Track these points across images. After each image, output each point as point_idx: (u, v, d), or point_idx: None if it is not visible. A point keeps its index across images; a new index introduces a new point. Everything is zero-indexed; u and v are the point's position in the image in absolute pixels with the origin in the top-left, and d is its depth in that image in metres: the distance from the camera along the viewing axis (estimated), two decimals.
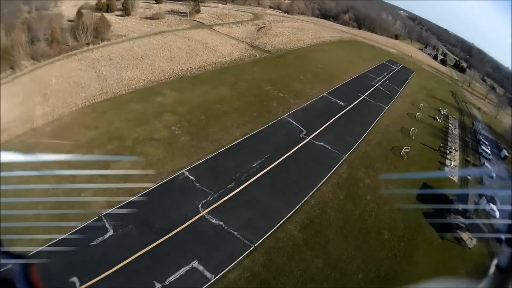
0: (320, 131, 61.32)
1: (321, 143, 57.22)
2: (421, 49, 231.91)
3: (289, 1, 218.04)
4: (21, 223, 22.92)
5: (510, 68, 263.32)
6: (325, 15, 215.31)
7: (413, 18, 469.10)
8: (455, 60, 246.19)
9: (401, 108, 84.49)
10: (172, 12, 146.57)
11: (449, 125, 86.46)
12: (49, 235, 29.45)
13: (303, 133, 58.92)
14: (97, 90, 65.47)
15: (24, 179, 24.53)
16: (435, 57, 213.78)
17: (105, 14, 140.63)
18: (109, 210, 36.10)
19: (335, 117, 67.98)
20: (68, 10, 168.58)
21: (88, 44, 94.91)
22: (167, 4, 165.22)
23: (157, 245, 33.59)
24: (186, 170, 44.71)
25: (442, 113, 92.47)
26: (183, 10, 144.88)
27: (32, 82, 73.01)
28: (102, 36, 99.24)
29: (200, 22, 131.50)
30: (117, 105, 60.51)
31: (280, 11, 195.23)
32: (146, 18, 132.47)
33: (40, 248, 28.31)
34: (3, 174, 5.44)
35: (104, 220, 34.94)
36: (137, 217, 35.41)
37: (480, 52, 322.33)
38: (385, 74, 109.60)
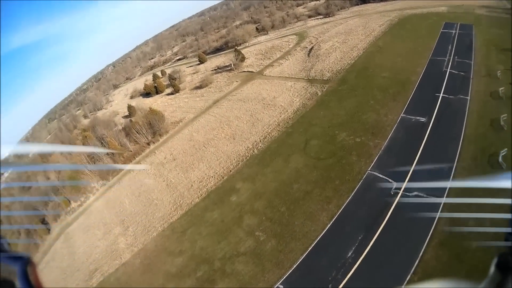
0: (410, 174, 50.05)
1: (415, 193, 46.41)
2: None
3: (323, 2, 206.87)
4: None
5: None
6: None
7: None
8: None
9: (482, 91, 69.88)
10: (218, 69, 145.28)
11: None
12: None
13: (393, 187, 48.46)
14: (171, 204, 63.71)
15: None
16: None
17: (156, 97, 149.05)
18: None
19: (422, 146, 55.93)
20: (120, 103, 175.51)
21: (148, 143, 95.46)
22: (211, 60, 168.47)
23: None
24: (280, 284, 39.30)
25: None
26: (228, 61, 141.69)
27: (107, 207, 75.43)
28: (159, 131, 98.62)
29: (249, 71, 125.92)
30: (195, 219, 57.40)
31: (321, 16, 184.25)
32: (196, 88, 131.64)
33: None
34: None
35: None
36: None
37: None
38: (449, 48, 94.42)
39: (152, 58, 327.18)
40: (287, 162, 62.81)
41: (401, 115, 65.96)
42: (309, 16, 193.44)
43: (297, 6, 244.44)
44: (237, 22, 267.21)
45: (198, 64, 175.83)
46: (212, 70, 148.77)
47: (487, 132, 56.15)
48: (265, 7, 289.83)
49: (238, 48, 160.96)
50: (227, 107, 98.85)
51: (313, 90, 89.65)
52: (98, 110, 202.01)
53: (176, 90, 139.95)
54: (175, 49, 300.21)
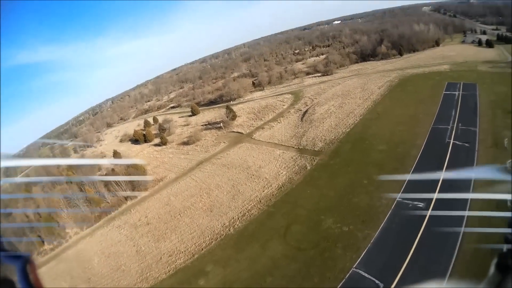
0: (401, 275, 40.62)
1: None
2: (463, 41, 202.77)
3: (322, 59, 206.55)
4: None
5: None
6: (363, 56, 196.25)
7: (437, 8, 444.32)
8: (495, 32, 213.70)
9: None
10: (208, 124, 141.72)
11: None
12: None
13: None
14: (137, 275, 59.59)
15: None
16: (479, 43, 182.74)
17: (144, 146, 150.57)
18: None
19: (416, 242, 45.66)
20: (110, 144, 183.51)
21: (126, 198, 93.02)
22: (204, 113, 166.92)
23: None
24: None
25: None
26: (220, 117, 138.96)
27: (77, 259, 72.76)
28: (139, 187, 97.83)
29: (239, 132, 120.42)
30: None
31: (319, 74, 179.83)
32: (183, 143, 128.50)
33: None
34: None
35: None
36: None
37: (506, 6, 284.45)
38: (452, 113, 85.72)
39: (148, 101, 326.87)
40: (264, 249, 54.28)
41: (398, 199, 55.94)
42: (307, 73, 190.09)
43: (297, 62, 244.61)
44: (235, 74, 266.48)
45: (190, 116, 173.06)
46: (202, 125, 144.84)
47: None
48: (265, 60, 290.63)
49: (232, 103, 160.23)
50: (209, 172, 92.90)
51: (302, 162, 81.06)
52: (88, 147, 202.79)
53: (164, 143, 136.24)
54: (172, 95, 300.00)
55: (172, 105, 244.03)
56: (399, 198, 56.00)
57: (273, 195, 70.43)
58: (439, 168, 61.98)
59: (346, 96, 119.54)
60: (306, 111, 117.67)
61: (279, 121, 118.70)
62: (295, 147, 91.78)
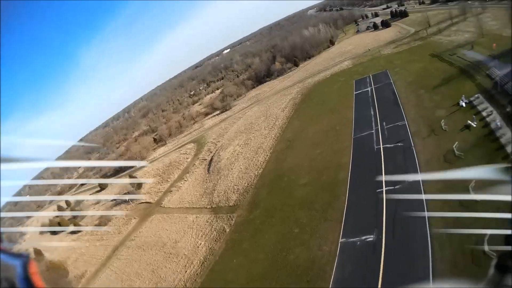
0: None
1: None
2: (357, 31, 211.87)
3: (218, 94, 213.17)
4: None
5: None
6: (258, 79, 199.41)
7: (322, 8, 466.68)
8: (388, 11, 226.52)
9: (433, 159, 54.56)
10: (117, 199, 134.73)
11: (486, 115, 59.00)
12: None
13: None
14: None
15: None
16: (375, 27, 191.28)
17: (62, 236, 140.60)
18: None
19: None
20: (31, 238, 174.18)
21: None
22: (112, 186, 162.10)
23: None
24: None
25: (462, 103, 65.34)
26: (127, 189, 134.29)
27: None
28: None
29: (147, 202, 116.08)
30: None
31: (217, 112, 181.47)
32: (96, 226, 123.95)
33: None
34: None
35: None
36: None
37: None
38: (371, 113, 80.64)
39: (61, 179, 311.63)
40: None
41: (340, 240, 47.78)
42: (206, 114, 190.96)
43: (193, 104, 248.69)
44: (136, 133, 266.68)
45: (99, 191, 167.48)
46: (112, 201, 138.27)
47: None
48: (162, 111, 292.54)
49: (136, 167, 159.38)
50: (126, 258, 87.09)
51: (220, 225, 72.36)
52: (14, 244, 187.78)
53: (78, 231, 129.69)
54: (81, 170, 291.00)
55: (81, 182, 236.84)
56: (342, 239, 47.73)
57: (197, 274, 62.47)
58: (377, 185, 54.04)
59: (250, 130, 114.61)
60: (211, 160, 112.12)
61: (185, 179, 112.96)
62: (208, 207, 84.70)
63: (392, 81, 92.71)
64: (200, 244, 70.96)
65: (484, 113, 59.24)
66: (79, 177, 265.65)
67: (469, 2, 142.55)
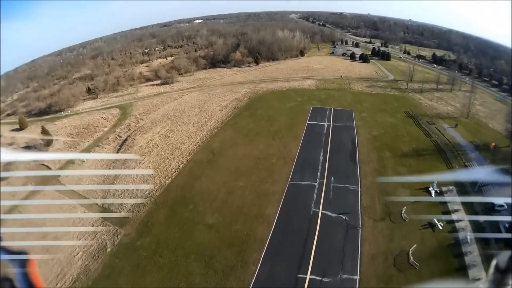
0: None
1: None
2: (332, 53, 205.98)
3: (168, 62, 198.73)
4: None
5: None
6: (213, 62, 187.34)
7: (306, 16, 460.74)
8: (370, 46, 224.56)
9: (379, 259, 42.51)
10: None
11: (456, 220, 49.89)
12: None
13: None
14: None
15: None
16: (351, 56, 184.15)
17: None
18: None
19: None
20: None
21: None
22: (31, 127, 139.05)
23: None
24: None
25: (432, 191, 56.12)
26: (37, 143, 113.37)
27: None
28: None
29: (47, 166, 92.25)
30: None
31: (158, 82, 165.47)
32: None
33: None
34: None
35: None
36: None
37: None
38: (320, 158, 66.36)
39: None
40: None
41: None
42: (147, 79, 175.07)
43: (142, 63, 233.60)
44: (77, 75, 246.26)
45: (17, 130, 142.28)
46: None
47: None
48: (112, 59, 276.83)
49: (57, 115, 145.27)
50: None
51: (103, 238, 54.82)
52: None
53: None
54: (15, 97, 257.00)
55: (7, 111, 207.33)
56: None
57: None
58: (301, 267, 40.80)
59: (178, 119, 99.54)
60: (125, 140, 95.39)
61: (93, 151, 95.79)
62: (100, 204, 66.25)
63: (355, 126, 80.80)
64: (78, 253, 53.74)
65: (454, 216, 49.93)
66: (9, 104, 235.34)
67: (459, 74, 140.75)
